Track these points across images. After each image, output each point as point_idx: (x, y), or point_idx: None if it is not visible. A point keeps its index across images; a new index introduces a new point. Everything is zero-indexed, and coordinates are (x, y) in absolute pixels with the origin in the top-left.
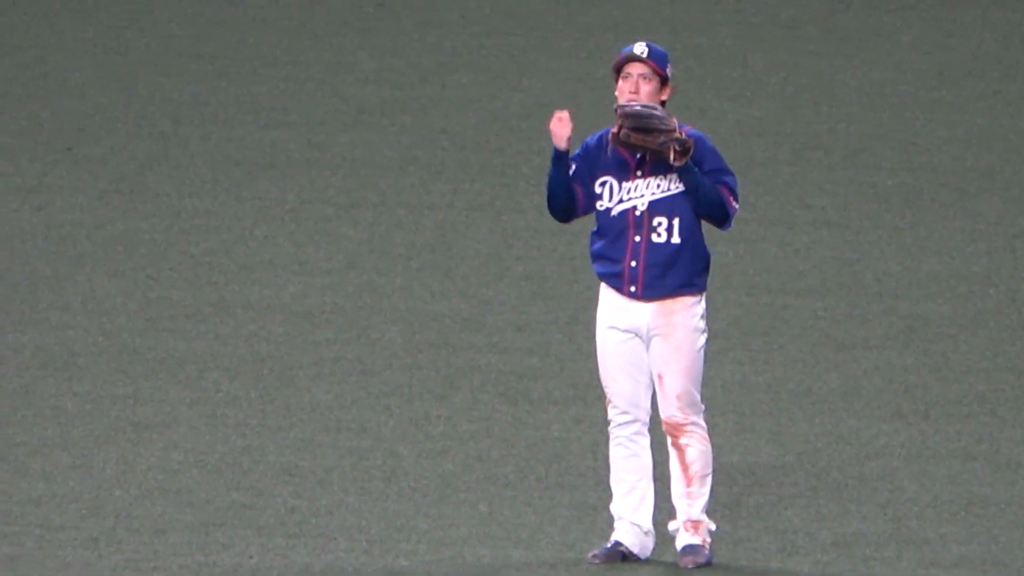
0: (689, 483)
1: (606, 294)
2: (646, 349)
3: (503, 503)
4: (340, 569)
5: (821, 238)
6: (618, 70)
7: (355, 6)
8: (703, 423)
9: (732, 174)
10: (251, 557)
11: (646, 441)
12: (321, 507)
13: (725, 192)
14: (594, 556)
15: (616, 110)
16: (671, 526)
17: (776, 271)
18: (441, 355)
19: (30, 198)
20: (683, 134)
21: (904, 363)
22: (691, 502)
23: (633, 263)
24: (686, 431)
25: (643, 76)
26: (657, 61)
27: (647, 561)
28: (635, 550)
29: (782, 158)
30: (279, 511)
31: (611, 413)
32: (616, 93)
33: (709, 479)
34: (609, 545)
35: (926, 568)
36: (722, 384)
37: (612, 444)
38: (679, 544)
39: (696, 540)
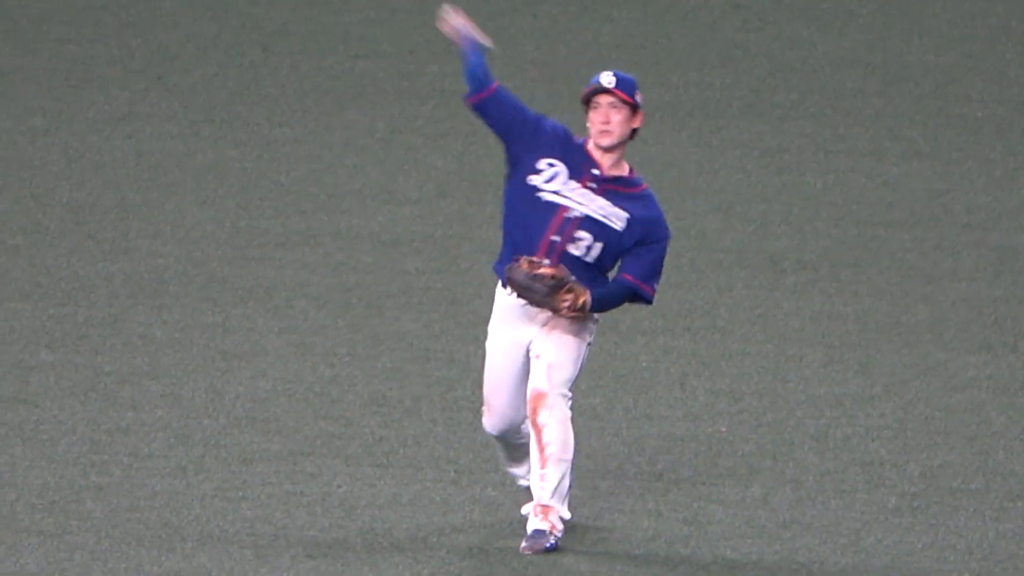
0: (543, 464)
1: (505, 296)
2: (527, 341)
3: (591, 434)
4: (428, 499)
5: (911, 169)
6: (587, 101)
7: None
8: (567, 406)
9: (659, 270)
10: (339, 486)
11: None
12: (409, 437)
13: (640, 289)
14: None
15: (507, 268)
16: (524, 510)
17: (865, 202)
18: None
19: (120, 127)
20: (576, 298)
21: (993, 295)
22: (542, 485)
23: (547, 261)
24: (547, 404)
25: (612, 105)
26: (625, 90)
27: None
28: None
29: (872, 89)
30: (367, 441)
31: (488, 423)
32: (587, 123)
33: (565, 464)
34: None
35: (1012, 500)
36: (811, 315)
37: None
38: (527, 528)
39: (543, 526)
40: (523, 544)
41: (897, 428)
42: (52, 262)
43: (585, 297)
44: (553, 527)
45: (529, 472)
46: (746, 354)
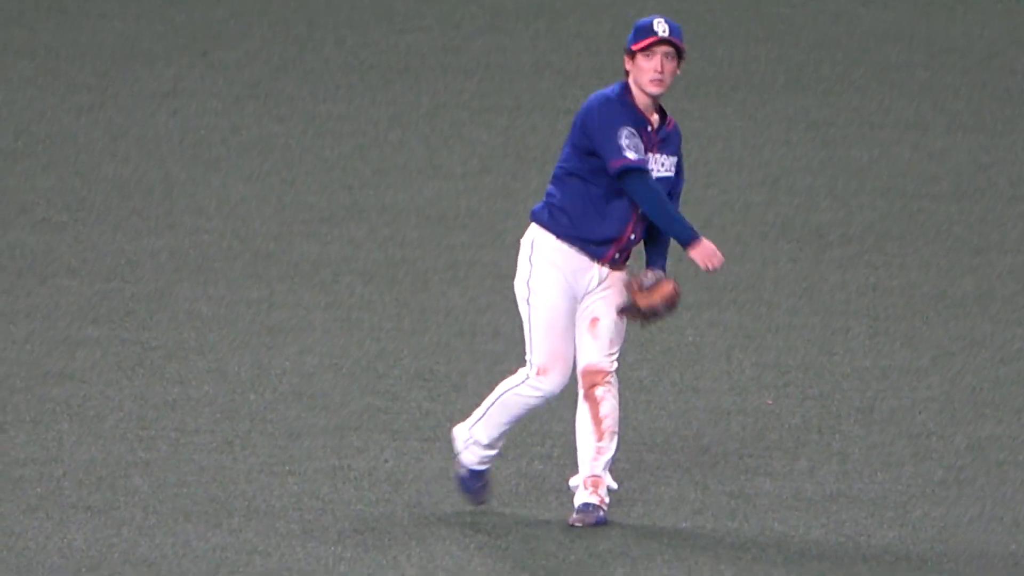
0: (600, 437)
1: (568, 255)
2: (583, 291)
3: (638, 407)
4: None
5: (956, 142)
6: (640, 48)
7: None
8: (618, 381)
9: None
10: (386, 461)
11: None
12: (456, 411)
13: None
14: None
15: (641, 307)
16: (572, 481)
17: (911, 175)
18: None
19: (166, 102)
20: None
21: None
22: (598, 459)
23: (633, 236)
24: (607, 381)
25: (667, 55)
26: (680, 39)
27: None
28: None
29: (917, 61)
30: (413, 415)
31: (548, 384)
32: (632, 68)
33: (616, 436)
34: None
35: None
36: (856, 288)
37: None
38: (576, 501)
39: (593, 499)
40: (574, 516)
41: (944, 400)
42: (98, 238)
43: (672, 285)
44: (603, 500)
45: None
46: (792, 327)
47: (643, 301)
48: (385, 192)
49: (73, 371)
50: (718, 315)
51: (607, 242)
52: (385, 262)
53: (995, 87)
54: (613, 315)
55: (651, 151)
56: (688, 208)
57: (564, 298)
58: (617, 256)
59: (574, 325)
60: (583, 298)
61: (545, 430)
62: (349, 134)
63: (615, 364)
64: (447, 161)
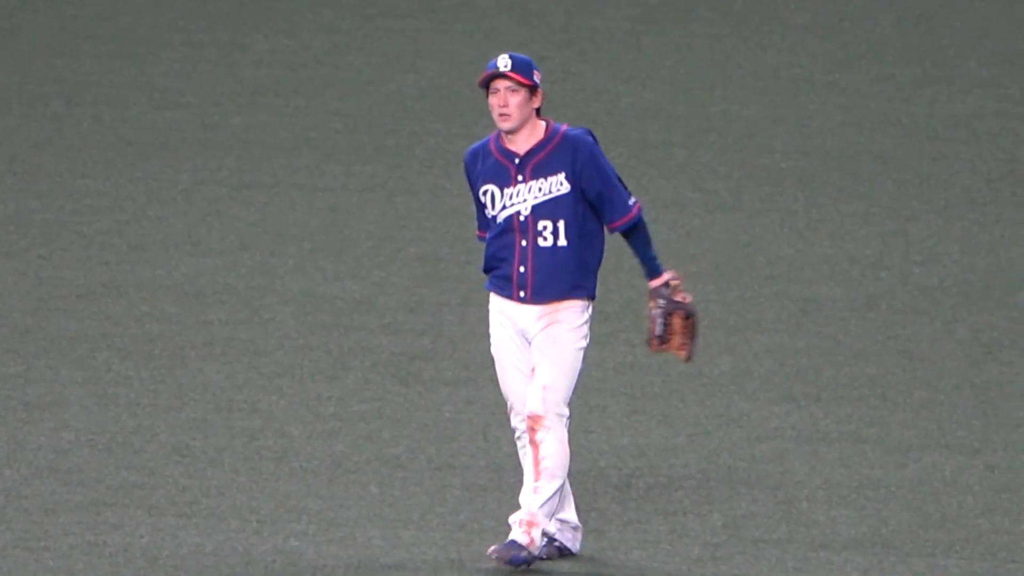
0: (537, 477)
1: (496, 301)
2: (524, 332)
3: (394, 484)
4: (231, 549)
5: (714, 221)
6: (485, 86)
7: None
8: (564, 426)
9: (619, 186)
10: (142, 537)
11: None
12: (212, 487)
13: (627, 221)
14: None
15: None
16: (511, 518)
17: (669, 254)
18: (333, 336)
19: None
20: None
21: (795, 346)
22: (533, 496)
23: (521, 268)
24: (544, 426)
25: (510, 89)
26: (521, 72)
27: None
28: (568, 544)
29: (675, 141)
30: (170, 491)
31: (514, 421)
32: (490, 109)
33: (559, 481)
34: (544, 543)
35: (816, 550)
36: (614, 366)
37: (521, 452)
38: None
39: (522, 539)
40: (492, 547)
41: (700, 478)
42: None
43: (678, 318)
44: (532, 543)
45: (562, 526)
46: None
47: (682, 352)
48: (143, 268)
49: None
50: (475, 392)
51: (507, 278)
52: (142, 338)
53: (753, 166)
54: (547, 361)
55: (512, 184)
56: (444, 284)
57: (506, 339)
58: (523, 294)
59: (527, 363)
60: (532, 342)
61: (301, 507)
62: (107, 209)
63: (556, 410)
64: (205, 237)
